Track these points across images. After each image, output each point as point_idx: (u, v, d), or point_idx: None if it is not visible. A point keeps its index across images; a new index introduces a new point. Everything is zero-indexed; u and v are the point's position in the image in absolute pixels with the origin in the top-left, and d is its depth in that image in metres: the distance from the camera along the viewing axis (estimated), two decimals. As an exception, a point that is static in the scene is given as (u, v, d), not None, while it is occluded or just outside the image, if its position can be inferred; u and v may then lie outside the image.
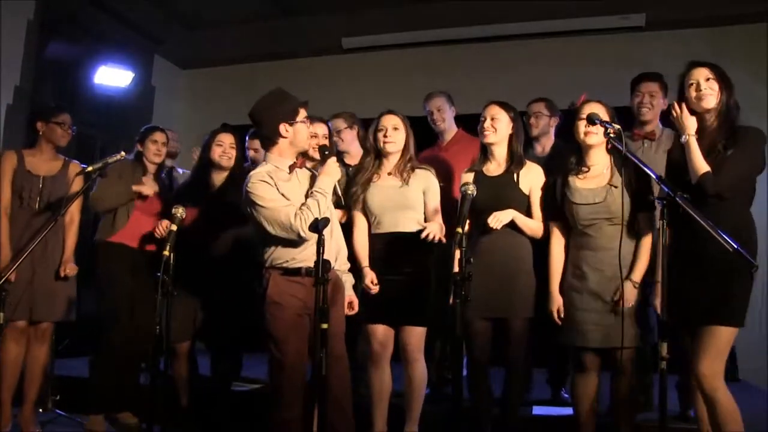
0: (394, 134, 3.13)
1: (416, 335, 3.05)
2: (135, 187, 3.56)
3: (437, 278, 3.09)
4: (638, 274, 2.74)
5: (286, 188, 2.67)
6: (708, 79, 2.56)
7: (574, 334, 2.80)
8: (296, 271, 2.67)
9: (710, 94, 2.55)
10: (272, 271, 2.69)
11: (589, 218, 2.81)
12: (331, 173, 2.73)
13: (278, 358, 2.63)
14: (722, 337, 2.42)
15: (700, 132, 2.58)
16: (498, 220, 2.93)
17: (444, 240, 3.01)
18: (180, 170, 4.59)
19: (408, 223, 3.10)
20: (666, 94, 3.46)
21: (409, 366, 3.07)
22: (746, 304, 2.45)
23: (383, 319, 3.06)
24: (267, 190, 2.63)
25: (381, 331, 3.07)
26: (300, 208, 2.61)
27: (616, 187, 2.75)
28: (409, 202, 3.10)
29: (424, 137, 3.99)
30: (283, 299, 2.66)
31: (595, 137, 2.79)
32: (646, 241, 2.76)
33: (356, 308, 2.93)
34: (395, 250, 3.07)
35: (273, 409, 2.64)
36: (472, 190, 2.66)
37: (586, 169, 2.86)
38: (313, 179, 2.78)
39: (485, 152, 3.14)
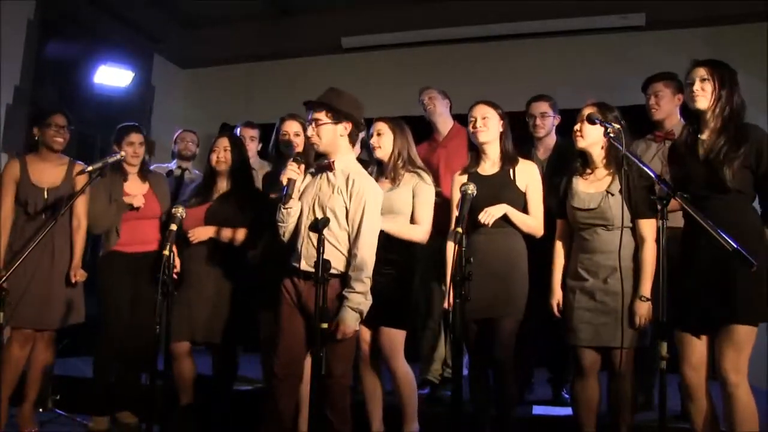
0: (378, 139, 3.09)
1: (392, 337, 2.98)
2: (126, 199, 3.54)
3: (421, 279, 3.08)
4: (647, 289, 2.69)
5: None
6: (704, 80, 2.53)
7: (570, 333, 2.81)
8: (288, 268, 2.82)
9: (701, 95, 2.53)
10: None
11: (584, 222, 2.81)
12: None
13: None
14: (740, 335, 2.41)
15: (704, 130, 2.57)
16: (489, 215, 2.90)
17: None
18: (195, 171, 4.56)
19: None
20: (678, 90, 3.38)
21: (390, 368, 3.02)
22: (762, 301, 2.41)
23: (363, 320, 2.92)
24: None
25: (368, 332, 3.04)
26: None
27: (612, 194, 2.75)
28: (396, 207, 3.01)
29: (424, 136, 3.99)
30: (282, 290, 2.83)
31: (581, 141, 2.81)
32: (648, 251, 2.70)
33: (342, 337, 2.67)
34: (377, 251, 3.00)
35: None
36: (472, 190, 2.60)
37: (589, 171, 2.86)
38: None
39: (477, 153, 3.13)
